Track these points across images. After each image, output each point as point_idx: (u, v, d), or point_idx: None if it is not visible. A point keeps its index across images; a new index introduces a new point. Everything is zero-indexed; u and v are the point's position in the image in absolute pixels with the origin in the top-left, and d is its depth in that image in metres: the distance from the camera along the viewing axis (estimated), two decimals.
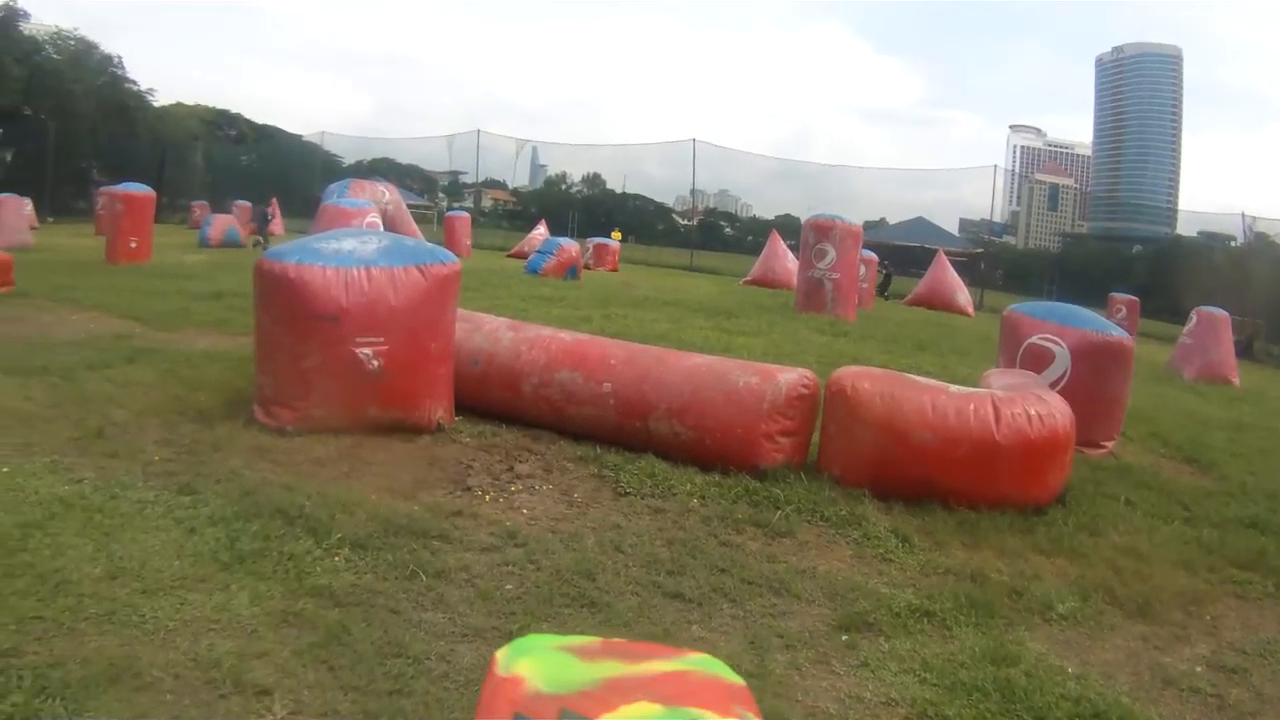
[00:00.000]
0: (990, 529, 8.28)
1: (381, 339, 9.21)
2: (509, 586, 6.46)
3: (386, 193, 36.73)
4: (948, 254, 43.49)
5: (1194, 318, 25.91)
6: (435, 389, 9.76)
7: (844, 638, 6.20)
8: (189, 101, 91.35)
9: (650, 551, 7.33)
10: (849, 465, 9.00)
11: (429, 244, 10.17)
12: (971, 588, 7.08)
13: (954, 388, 9.18)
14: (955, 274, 40.90)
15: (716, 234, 77.61)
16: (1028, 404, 8.85)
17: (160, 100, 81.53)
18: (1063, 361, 12.03)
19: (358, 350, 9.13)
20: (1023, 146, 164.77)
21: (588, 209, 78.41)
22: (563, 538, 7.44)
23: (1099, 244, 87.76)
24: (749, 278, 40.99)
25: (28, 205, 38.38)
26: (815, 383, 9.42)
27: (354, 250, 9.41)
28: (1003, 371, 11.50)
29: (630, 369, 9.84)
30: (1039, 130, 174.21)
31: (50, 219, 47.54)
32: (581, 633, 5.18)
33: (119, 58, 75.14)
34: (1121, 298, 41.93)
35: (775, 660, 5.79)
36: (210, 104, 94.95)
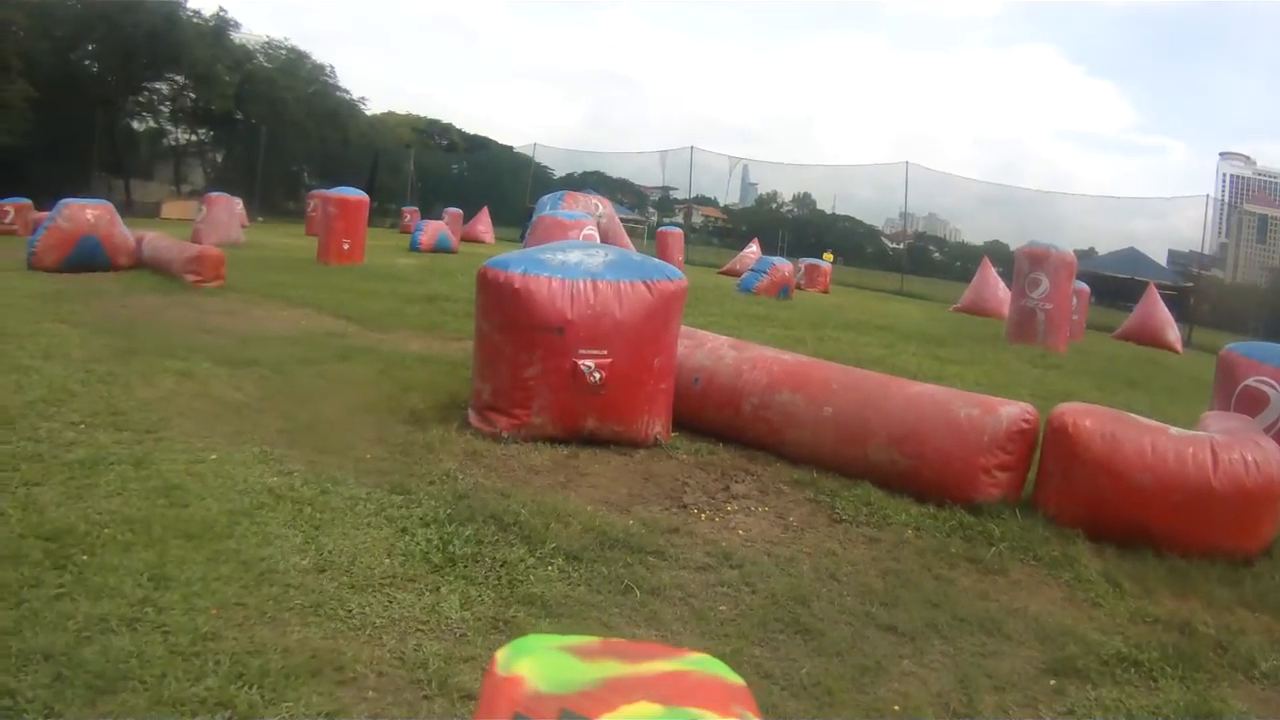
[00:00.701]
0: (1199, 578, 7.79)
1: (605, 352, 9.17)
2: (723, 608, 6.34)
3: (600, 205, 36.71)
4: (1158, 287, 42.60)
5: None
6: (655, 404, 9.71)
7: (1052, 683, 5.98)
8: (400, 111, 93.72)
9: (864, 581, 7.13)
10: (1064, 504, 8.56)
11: (655, 259, 10.07)
12: (1179, 639, 6.74)
13: (1174, 430, 8.68)
14: (1165, 308, 39.96)
15: (925, 258, 76.95)
16: (1245, 449, 8.24)
17: (372, 109, 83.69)
18: (1278, 406, 11.40)
19: (580, 362, 9.09)
20: (1232, 175, 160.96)
21: (797, 229, 78.37)
22: (778, 561, 7.28)
23: None
24: (959, 305, 40.45)
25: (239, 204, 39.19)
26: (1036, 417, 9.09)
27: (580, 262, 9.39)
28: (1220, 415, 10.78)
29: (851, 394, 9.65)
30: (1249, 158, 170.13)
31: (260, 219, 48.64)
32: (794, 660, 5.63)
33: (331, 67, 77.58)
34: None
35: (984, 701, 5.62)
36: (422, 114, 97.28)
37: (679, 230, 53.26)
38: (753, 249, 50.20)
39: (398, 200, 67.53)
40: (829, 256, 54.37)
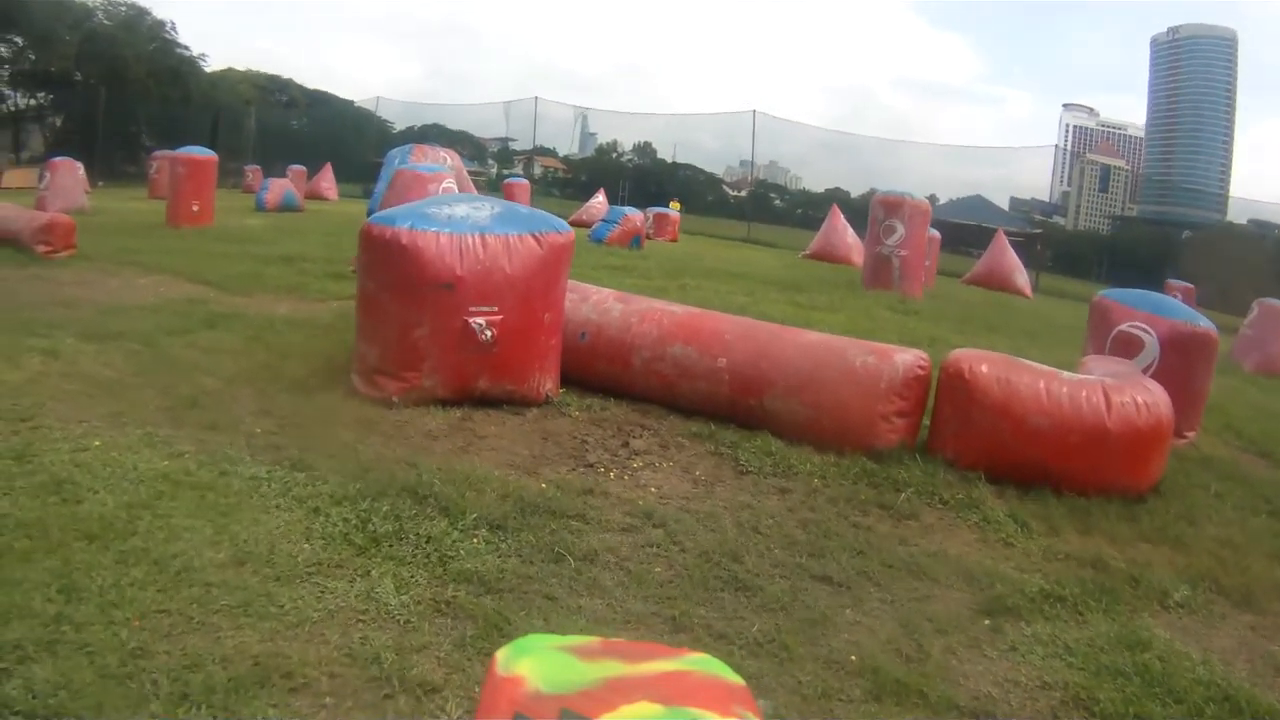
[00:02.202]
0: (1100, 516, 8.27)
1: (495, 308, 8.91)
2: (658, 569, 6.31)
3: (448, 159, 36.51)
4: (1006, 234, 43.08)
5: (1255, 309, 25.32)
6: (546, 361, 9.50)
7: (987, 622, 6.18)
8: (240, 67, 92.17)
9: (787, 533, 7.20)
10: (963, 448, 8.85)
11: (542, 212, 9.80)
12: (1094, 574, 7.12)
13: (1066, 374, 9.09)
14: (1014, 254, 40.47)
15: (766, 206, 77.36)
16: (1135, 392, 8.82)
17: (212, 66, 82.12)
18: (1152, 350, 11.91)
19: (471, 320, 8.82)
20: (1075, 126, 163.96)
21: (638, 178, 78.27)
22: (698, 518, 7.26)
23: (1148, 227, 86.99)
24: (809, 251, 40.35)
25: (80, 169, 38.36)
26: (929, 364, 9.28)
27: (467, 216, 9.09)
28: (1102, 358, 11.28)
29: (746, 345, 9.64)
30: (1092, 110, 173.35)
31: (101, 183, 47.47)
32: (742, 618, 5.68)
33: (171, 23, 75.46)
34: (1178, 284, 41.09)
35: (932, 644, 5.74)
36: (262, 70, 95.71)
37: (525, 181, 52.90)
38: (599, 199, 50.25)
39: (240, 159, 66.50)
40: (676, 205, 54.26)
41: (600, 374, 10.10)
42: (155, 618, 4.86)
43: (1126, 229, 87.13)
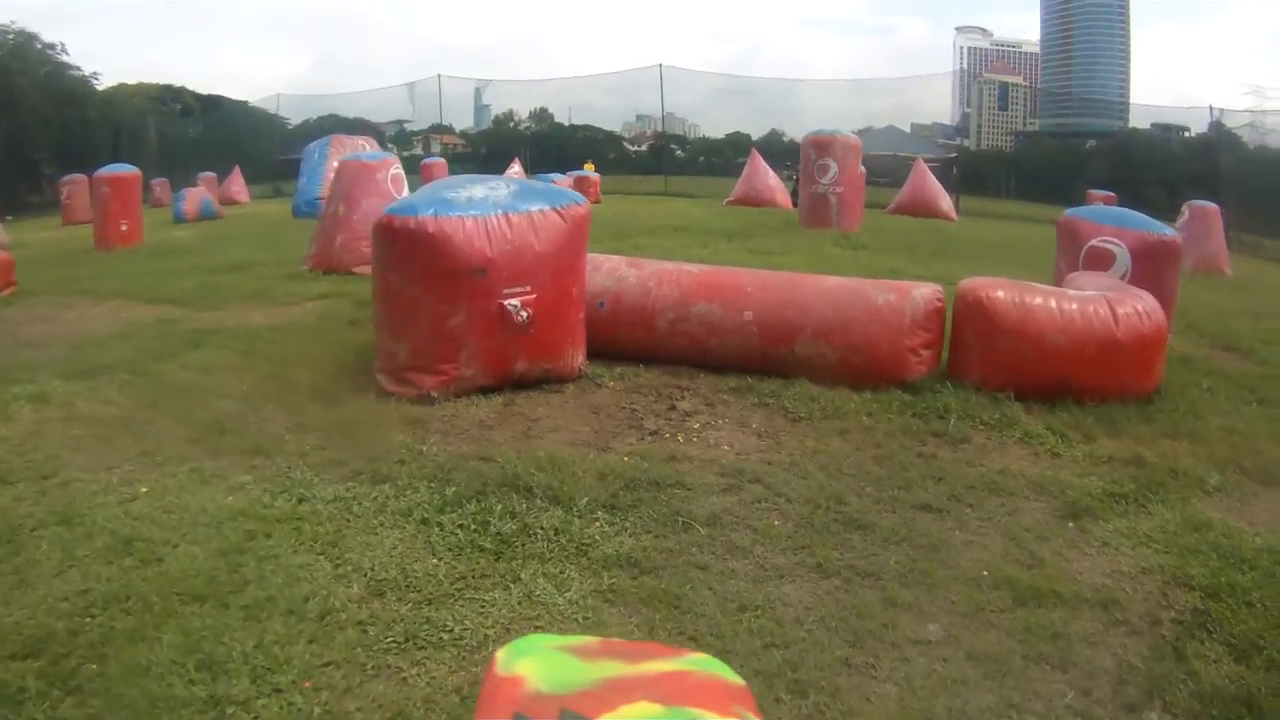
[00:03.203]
0: (1122, 419, 8.79)
1: (528, 288, 8.74)
2: (776, 523, 6.42)
3: (366, 146, 36.23)
4: (925, 160, 43.35)
5: (1185, 212, 26.18)
6: (576, 335, 9.38)
7: (1071, 524, 6.65)
8: (131, 81, 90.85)
9: (868, 470, 7.46)
10: (988, 371, 9.22)
11: (552, 185, 9.62)
12: (1138, 471, 7.63)
13: (1071, 291, 9.57)
14: (935, 180, 40.72)
15: (668, 157, 77.26)
16: (1133, 302, 9.33)
17: (103, 84, 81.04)
18: (1123, 262, 12.39)
19: (506, 302, 8.65)
20: (970, 48, 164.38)
21: (538, 144, 77.83)
22: (783, 468, 7.39)
23: (1053, 141, 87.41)
24: (732, 198, 40.21)
25: None
26: (944, 295, 9.59)
27: (487, 196, 8.88)
28: (1085, 274, 11.70)
29: (768, 295, 9.76)
30: (985, 30, 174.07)
31: (9, 217, 46.78)
32: (874, 554, 6.02)
33: (61, 44, 74.40)
34: (1100, 194, 41.45)
35: (1041, 550, 6.23)
36: (153, 81, 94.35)
37: (443, 160, 52.19)
38: (515, 168, 49.99)
39: (144, 173, 65.80)
40: (590, 166, 54.04)
41: (623, 340, 9.98)
42: (324, 673, 4.57)
43: (1031, 145, 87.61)
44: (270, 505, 6.52)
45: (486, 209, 8.71)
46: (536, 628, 4.90)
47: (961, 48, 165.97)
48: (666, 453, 7.56)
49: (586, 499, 6.45)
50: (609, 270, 10.26)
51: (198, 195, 41.26)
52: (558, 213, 8.95)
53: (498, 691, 2.09)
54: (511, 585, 5.38)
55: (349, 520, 6.28)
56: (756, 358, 9.59)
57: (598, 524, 6.16)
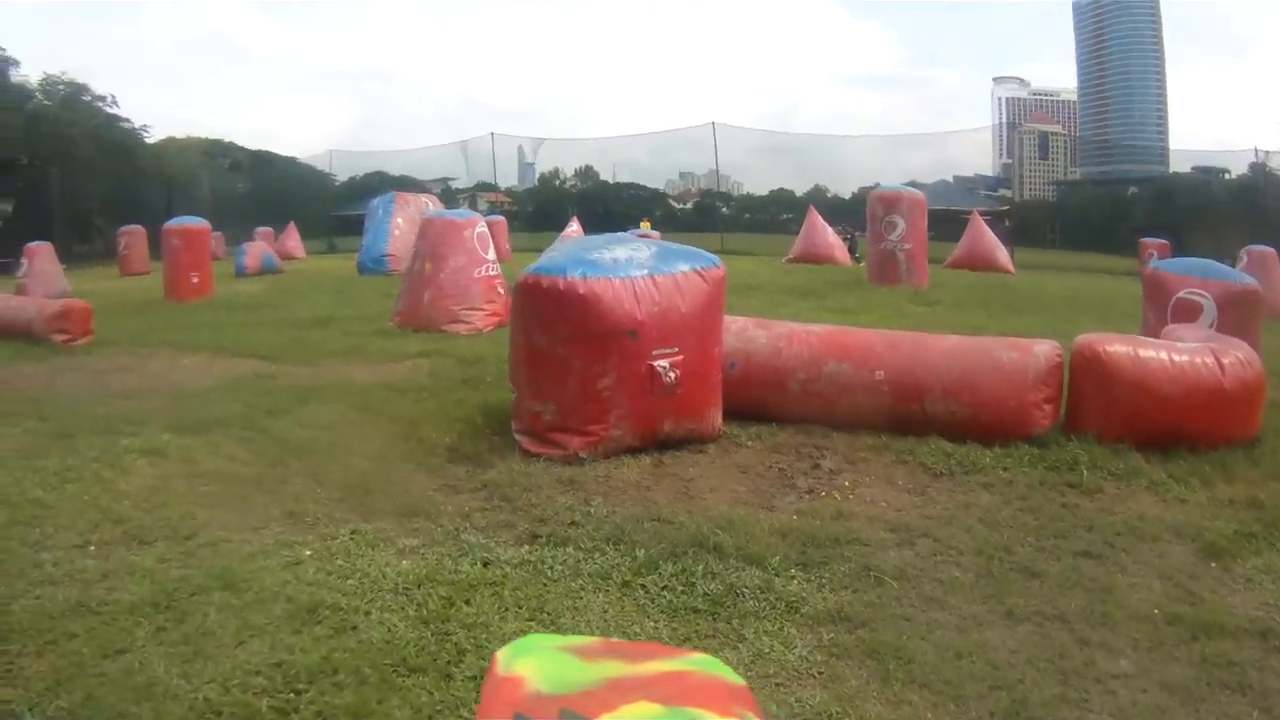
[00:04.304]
0: (1232, 464, 8.92)
1: (675, 349, 8.82)
2: (956, 573, 6.56)
3: (429, 203, 36.38)
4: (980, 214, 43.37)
5: (1244, 257, 26.33)
6: (716, 395, 9.42)
7: (1214, 564, 6.84)
8: (180, 135, 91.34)
9: (1023, 522, 7.58)
10: (1106, 422, 9.34)
11: (690, 247, 9.69)
12: (1260, 513, 7.78)
13: (1179, 344, 9.68)
14: (991, 233, 40.61)
15: (713, 215, 77.10)
16: (1235, 351, 9.47)
17: (152, 137, 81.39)
18: (1210, 312, 12.75)
19: (655, 364, 8.71)
20: (1008, 98, 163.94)
21: (584, 202, 77.69)
22: (943, 522, 7.51)
23: (1095, 189, 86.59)
24: (792, 255, 40.35)
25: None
26: (1062, 351, 9.77)
27: (631, 258, 8.97)
28: (1183, 326, 11.76)
29: (896, 355, 9.86)
30: (1022, 80, 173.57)
31: (65, 266, 47.11)
32: (1053, 600, 6.13)
33: (112, 96, 74.75)
34: (1153, 242, 41.39)
35: (1196, 587, 6.42)
36: (201, 135, 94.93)
37: (502, 219, 52.14)
38: (574, 227, 49.91)
39: None
40: (647, 224, 54.06)
41: (754, 401, 9.99)
42: None
43: (1073, 193, 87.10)
44: (456, 570, 6.43)
45: (632, 270, 8.79)
46: (776, 685, 4.98)
47: (1000, 98, 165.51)
48: (832, 510, 7.56)
49: (778, 557, 6.47)
50: (737, 331, 10.27)
51: (259, 249, 41.47)
52: (699, 274, 9.04)
53: (498, 691, 2.15)
54: (739, 644, 5.38)
55: (545, 584, 6.21)
56: (886, 416, 9.62)
57: (795, 581, 6.17)
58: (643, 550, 6.62)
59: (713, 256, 9.46)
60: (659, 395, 8.78)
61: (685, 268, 9.04)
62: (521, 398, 9.29)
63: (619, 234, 10.33)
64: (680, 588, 6.08)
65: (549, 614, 5.76)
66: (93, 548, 7.03)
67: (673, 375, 8.71)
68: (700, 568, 6.32)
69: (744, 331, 10.34)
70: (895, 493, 8.11)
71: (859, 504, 7.76)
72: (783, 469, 8.70)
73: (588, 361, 8.73)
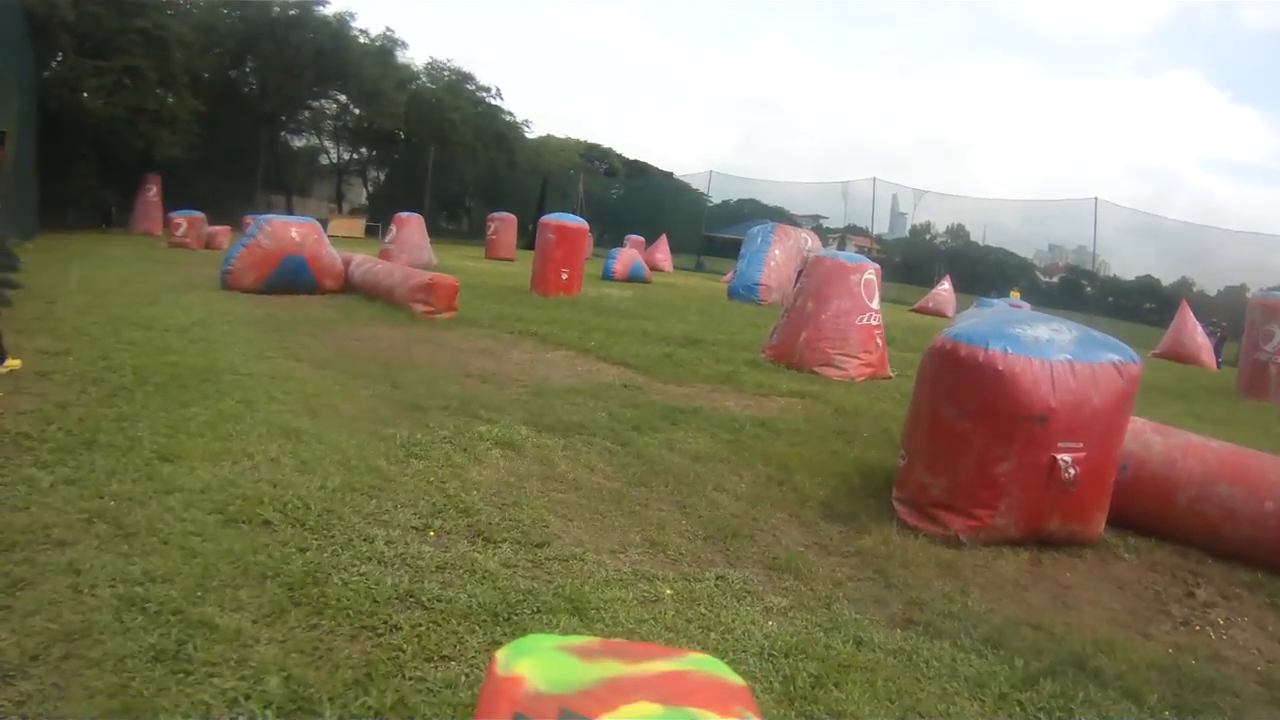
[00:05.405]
0: None
1: (1080, 444, 8.48)
2: None
3: (808, 239, 36.55)
4: None
5: None
6: (1106, 499, 9.02)
7: None
8: (559, 135, 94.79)
9: None
10: None
11: (1108, 335, 9.41)
12: None
13: None
14: None
15: (1077, 293, 75.65)
16: None
17: (533, 134, 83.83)
18: None
19: (1059, 457, 8.42)
20: None
21: (951, 260, 76.96)
22: None
23: None
24: (1159, 350, 39.42)
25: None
26: None
27: (1052, 340, 8.69)
28: None
29: None
30: None
31: (431, 239, 48.66)
32: None
33: (496, 89, 77.87)
34: None
35: None
36: (580, 138, 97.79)
37: (876, 265, 51.81)
38: (945, 286, 49.61)
39: None
40: (1017, 294, 53.29)
41: (1138, 511, 9.58)
42: None
43: None
44: (829, 645, 6.17)
45: (1053, 353, 8.52)
46: None
47: None
48: (1209, 651, 7.13)
49: (1155, 696, 6.15)
50: (1134, 433, 9.78)
51: (629, 256, 42.29)
52: (1116, 369, 8.68)
53: (498, 691, 2.21)
54: None
55: (919, 680, 5.93)
56: (1266, 551, 8.96)
57: None
58: (1021, 661, 6.36)
59: (1132, 351, 9.09)
60: (1053, 490, 8.48)
61: (1102, 359, 8.70)
62: (912, 466, 9.12)
63: (1044, 314, 10.02)
64: (1058, 712, 5.82)
65: (920, 715, 5.50)
66: (433, 534, 7.20)
67: (1073, 471, 8.41)
68: (1080, 694, 6.04)
69: (1141, 434, 9.89)
70: (1267, 640, 7.60)
71: (1231, 648, 7.32)
72: (1158, 591, 8.30)
73: (990, 442, 8.49)
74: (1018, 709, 5.74)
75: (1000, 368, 8.37)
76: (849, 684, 5.64)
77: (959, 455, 8.69)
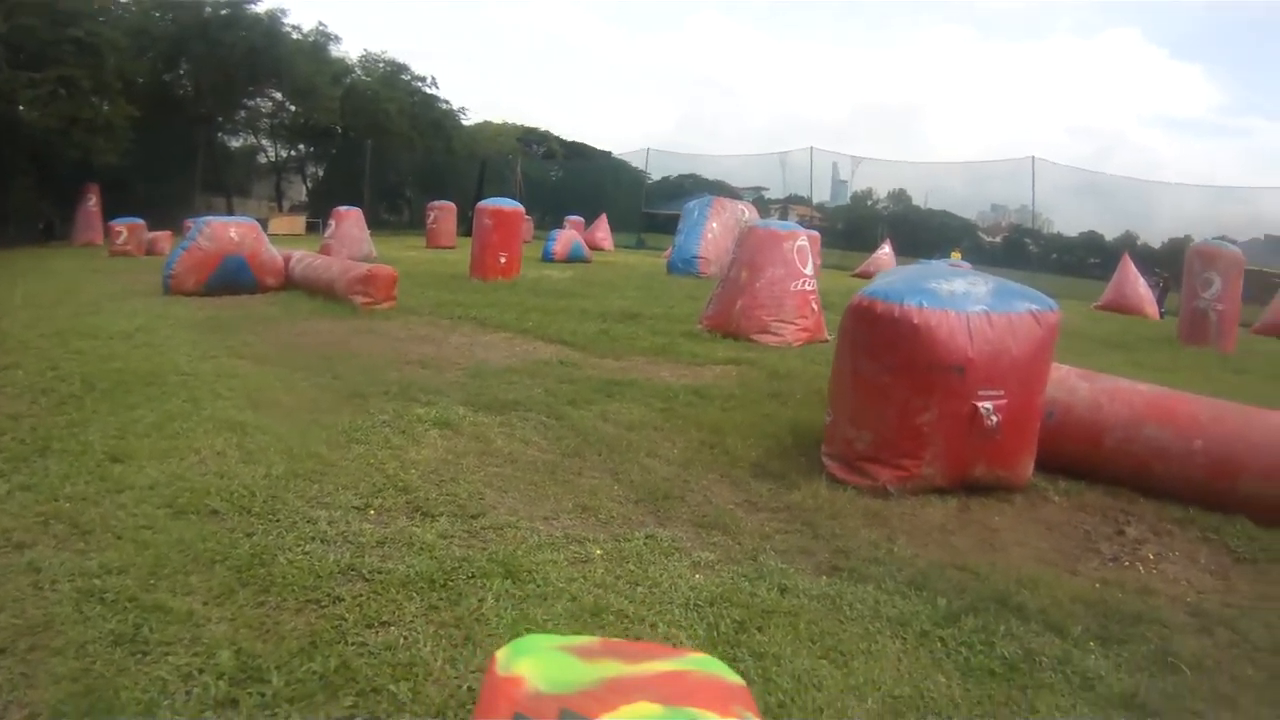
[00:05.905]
0: None
1: (1000, 392, 8.58)
2: (1249, 670, 6.00)
3: (746, 211, 36.54)
4: None
5: None
6: (1031, 445, 9.13)
7: None
8: (496, 120, 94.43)
9: None
10: None
11: (1027, 287, 9.44)
12: None
13: None
14: None
15: (1022, 251, 75.90)
16: None
17: (470, 120, 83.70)
18: None
19: (979, 405, 8.51)
20: None
21: (894, 225, 76.82)
22: (1242, 612, 6.87)
23: None
24: (1100, 303, 39.51)
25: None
26: None
27: (967, 292, 8.77)
28: None
29: (1219, 427, 9.24)
30: None
31: (371, 232, 48.60)
32: None
33: (432, 78, 77.58)
34: None
35: None
36: (516, 122, 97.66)
37: (816, 233, 52.04)
38: (885, 250, 49.72)
39: None
40: (958, 254, 53.43)
41: (1066, 454, 9.66)
42: None
43: None
44: (753, 593, 6.34)
45: (969, 305, 8.60)
46: None
47: None
48: (1137, 584, 7.22)
49: (1080, 628, 6.22)
50: (1059, 380, 9.90)
51: (569, 237, 42.35)
52: (1034, 317, 8.77)
53: (498, 691, 2.21)
54: (1030, 716, 5.23)
55: (843, 622, 6.06)
56: (1195, 489, 8.99)
57: (1094, 657, 5.89)
58: (944, 600, 6.46)
59: (1049, 299, 9.17)
60: (977, 438, 8.58)
61: (1019, 309, 8.79)
62: (837, 422, 9.22)
63: (964, 269, 10.10)
64: (979, 645, 5.89)
65: (843, 654, 5.63)
66: (372, 512, 7.44)
67: (995, 419, 8.51)
68: (1001, 627, 6.13)
69: (1066, 381, 9.99)
70: (1198, 573, 7.69)
71: (1161, 580, 7.41)
72: (1087, 530, 8.39)
73: (911, 394, 8.61)
74: (939, 645, 5.88)
75: (916, 321, 8.45)
76: (772, 628, 5.84)
77: (881, 409, 8.78)
